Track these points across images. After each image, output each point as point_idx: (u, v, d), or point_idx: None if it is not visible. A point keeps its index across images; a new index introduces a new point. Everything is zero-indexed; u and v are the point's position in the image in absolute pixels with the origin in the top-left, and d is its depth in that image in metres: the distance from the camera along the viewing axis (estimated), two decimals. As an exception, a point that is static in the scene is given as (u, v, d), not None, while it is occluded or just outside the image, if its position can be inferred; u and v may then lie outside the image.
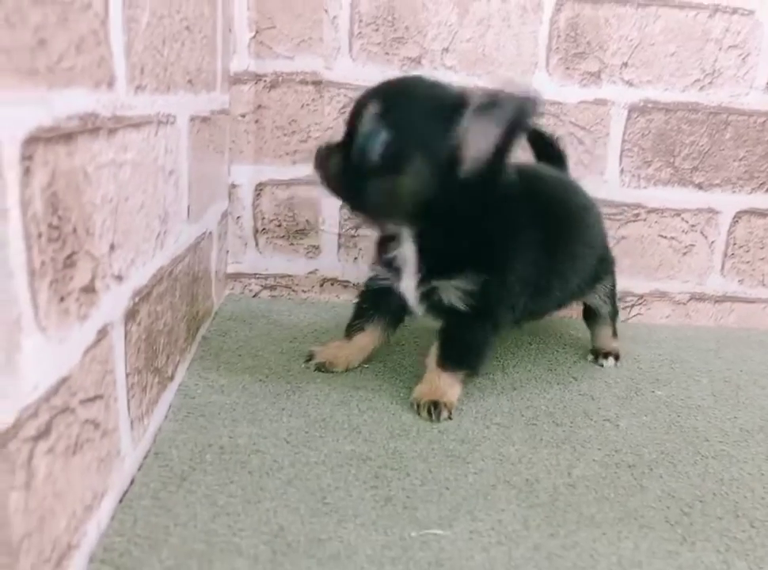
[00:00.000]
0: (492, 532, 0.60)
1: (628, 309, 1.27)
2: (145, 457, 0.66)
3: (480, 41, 1.12)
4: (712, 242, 1.25)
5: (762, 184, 1.23)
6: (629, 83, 1.16)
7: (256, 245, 1.18)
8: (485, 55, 1.13)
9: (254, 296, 1.20)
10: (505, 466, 0.71)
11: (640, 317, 1.27)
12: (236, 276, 1.19)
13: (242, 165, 1.14)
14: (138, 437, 0.64)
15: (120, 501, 0.59)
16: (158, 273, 0.69)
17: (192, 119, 0.82)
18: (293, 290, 1.21)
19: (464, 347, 0.88)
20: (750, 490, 0.72)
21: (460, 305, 0.83)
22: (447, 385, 0.84)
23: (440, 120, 0.74)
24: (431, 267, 0.83)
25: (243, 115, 1.12)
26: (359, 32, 1.11)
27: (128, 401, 0.60)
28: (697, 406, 0.92)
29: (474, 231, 0.81)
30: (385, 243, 0.86)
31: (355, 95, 1.11)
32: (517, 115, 0.74)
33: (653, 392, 0.95)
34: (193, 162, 0.83)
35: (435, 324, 0.88)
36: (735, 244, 1.25)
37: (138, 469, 0.64)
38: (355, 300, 0.95)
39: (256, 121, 1.13)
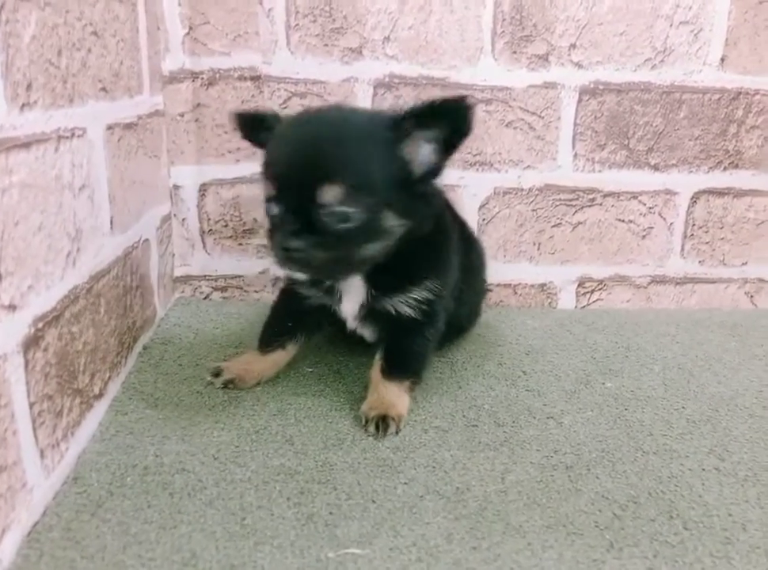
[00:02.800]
0: (413, 548, 0.59)
1: (588, 295, 1.25)
2: (63, 484, 0.64)
3: (423, 28, 1.09)
4: (671, 224, 1.23)
5: (719, 162, 1.20)
6: (579, 65, 1.13)
7: (204, 246, 1.16)
8: (428, 43, 1.10)
9: (205, 298, 1.18)
10: (437, 474, 0.70)
11: (600, 302, 1.26)
12: (185, 279, 1.17)
13: (184, 165, 1.11)
14: (51, 465, 0.62)
15: (28, 534, 0.57)
16: (71, 293, 0.67)
17: (110, 127, 0.79)
18: (244, 291, 1.19)
19: (409, 355, 0.86)
20: (689, 487, 0.71)
21: (413, 314, 0.82)
22: (395, 397, 0.82)
23: (390, 158, 0.71)
24: (382, 287, 0.80)
25: (181, 115, 1.09)
26: (297, 24, 1.07)
27: (34, 431, 0.58)
28: (647, 397, 0.91)
29: (421, 243, 0.79)
30: None
31: (296, 89, 1.10)
32: (453, 124, 0.71)
33: (603, 384, 0.94)
34: (116, 171, 0.80)
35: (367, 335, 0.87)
36: (694, 225, 1.23)
37: (53, 498, 0.62)
38: (272, 309, 0.91)
39: (196, 120, 1.10)
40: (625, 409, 0.87)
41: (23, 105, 0.57)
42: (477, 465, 0.72)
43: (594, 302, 1.26)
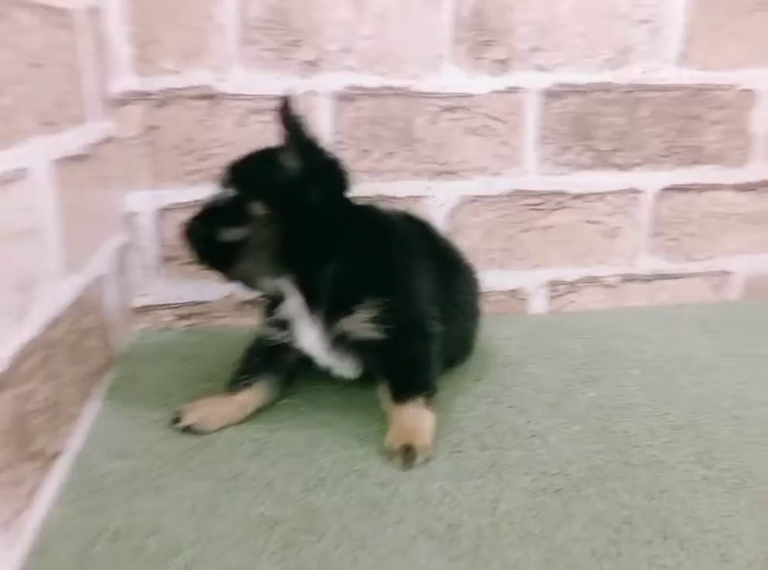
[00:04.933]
0: (408, 598, 0.57)
1: (559, 298, 1.24)
2: (28, 557, 0.60)
3: (381, 37, 1.06)
4: (638, 222, 1.22)
5: (681, 159, 1.20)
6: (541, 68, 1.11)
7: (165, 273, 1.11)
8: (388, 52, 1.06)
9: (167, 328, 1.13)
10: (427, 511, 0.68)
11: (572, 304, 1.25)
12: (145, 309, 1.12)
13: (140, 191, 1.06)
14: (14, 537, 0.58)
15: (-7, 621, 0.53)
16: (23, 350, 0.62)
17: (58, 162, 0.74)
18: (210, 317, 1.14)
19: (409, 369, 0.84)
20: (680, 502, 0.70)
21: (376, 335, 0.79)
22: (416, 419, 0.79)
23: (272, 167, 0.80)
24: (327, 311, 0.80)
25: (134, 139, 1.04)
26: (250, 39, 1.03)
27: (-7, 507, 0.54)
28: (628, 404, 0.90)
29: (354, 261, 0.81)
30: (272, 305, 0.84)
31: (253, 106, 1.05)
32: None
33: (584, 394, 0.93)
34: (66, 209, 0.75)
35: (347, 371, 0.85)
36: (660, 222, 1.23)
37: (18, 575, 0.58)
38: (244, 353, 0.89)
39: (149, 143, 1.05)
40: (609, 420, 0.86)
41: (-43, 155, 0.52)
42: (467, 496, 0.70)
43: (566, 304, 1.25)
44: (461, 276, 0.96)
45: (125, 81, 1.01)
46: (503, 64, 1.10)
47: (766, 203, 1.26)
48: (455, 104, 1.10)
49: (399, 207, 1.05)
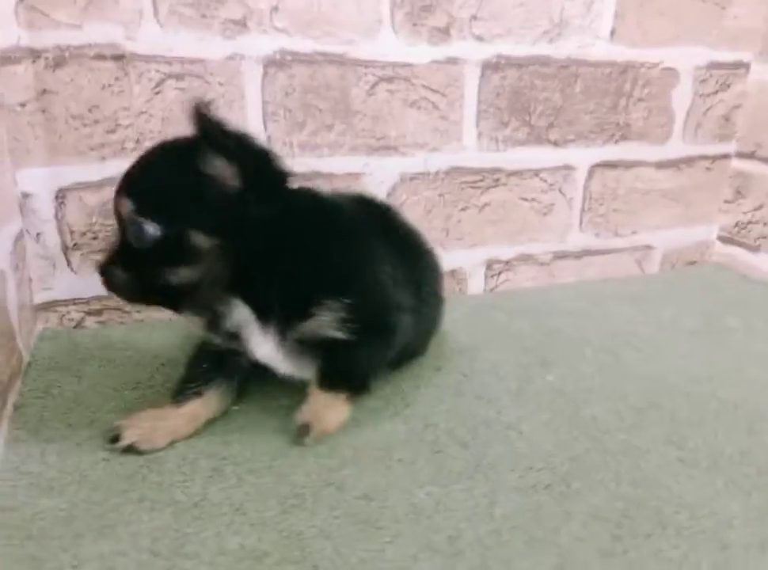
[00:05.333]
0: (428, 630, 0.51)
1: (495, 277, 1.22)
2: (-47, 640, 0.47)
3: (314, -3, 0.95)
4: (571, 199, 1.22)
5: (611, 135, 1.21)
6: (480, 38, 1.06)
7: (69, 264, 0.95)
8: (322, 13, 0.96)
9: (76, 326, 0.98)
10: (422, 523, 0.62)
11: (508, 282, 1.23)
12: (48, 306, 0.96)
13: (33, 168, 0.89)
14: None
15: None
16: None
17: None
18: (125, 312, 1.00)
19: (347, 365, 0.78)
20: (666, 488, 0.69)
21: (339, 335, 0.72)
22: (323, 407, 0.75)
23: (190, 180, 0.67)
24: (280, 319, 0.72)
25: (23, 105, 0.87)
26: (164, -10, 0.88)
27: None
28: (588, 388, 0.89)
29: (304, 260, 0.72)
30: (215, 317, 0.73)
31: (171, 70, 0.92)
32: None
33: (543, 378, 0.91)
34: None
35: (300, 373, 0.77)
36: (591, 198, 1.24)
37: None
38: (190, 358, 0.78)
39: (43, 111, 0.88)
40: (575, 405, 0.84)
41: None
42: (459, 502, 0.65)
43: (501, 283, 1.23)
44: (422, 261, 0.90)
45: (10, 35, 0.84)
46: (443, 32, 1.04)
47: (684, 179, 1.30)
48: (393, 74, 1.03)
49: (348, 189, 0.97)
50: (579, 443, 0.76)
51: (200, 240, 0.66)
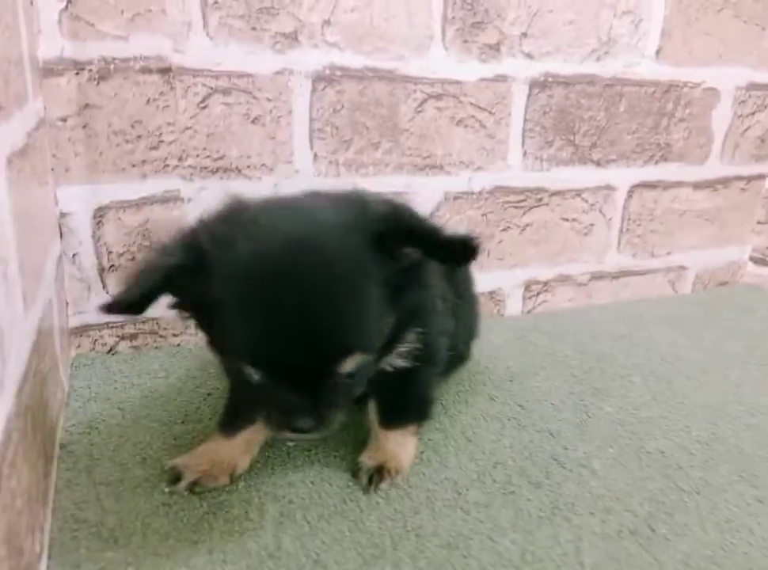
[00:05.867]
0: None
1: (533, 298, 1.19)
2: None
3: (367, 11, 0.92)
4: (610, 219, 1.20)
5: (651, 156, 1.19)
6: (529, 56, 1.03)
7: (104, 287, 0.91)
8: (373, 28, 0.93)
9: (109, 352, 0.93)
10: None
11: (545, 304, 1.21)
12: (81, 330, 0.91)
13: (71, 186, 0.85)
14: None
15: None
16: (5, 436, 0.44)
17: (10, 160, 0.54)
18: (160, 336, 0.96)
19: (411, 400, 0.74)
20: (749, 531, 0.67)
21: (406, 364, 0.68)
22: (397, 445, 0.72)
23: (380, 284, 0.55)
24: None
25: (63, 120, 0.82)
26: (215, 2, 0.84)
27: None
28: (648, 419, 0.86)
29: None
30: None
31: (218, 84, 0.87)
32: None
33: (600, 409, 0.88)
34: (20, 223, 0.56)
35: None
36: (629, 219, 1.22)
37: None
38: (230, 391, 0.71)
39: (85, 126, 0.83)
40: (639, 439, 0.82)
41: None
42: (544, 548, 0.62)
43: (539, 304, 1.20)
44: (462, 278, 0.86)
45: (53, 46, 0.79)
46: (493, 50, 1.01)
47: (719, 199, 1.29)
48: (443, 92, 0.99)
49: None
50: (653, 482, 0.73)
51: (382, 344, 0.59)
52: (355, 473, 0.70)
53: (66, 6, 0.79)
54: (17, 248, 0.53)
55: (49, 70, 0.80)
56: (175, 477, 0.65)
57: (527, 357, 1.01)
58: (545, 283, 1.19)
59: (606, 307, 1.24)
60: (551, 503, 0.69)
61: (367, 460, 0.71)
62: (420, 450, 0.75)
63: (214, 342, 0.58)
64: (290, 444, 0.75)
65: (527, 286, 1.18)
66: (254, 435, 0.70)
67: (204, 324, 0.57)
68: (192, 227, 0.56)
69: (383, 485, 0.68)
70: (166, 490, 0.65)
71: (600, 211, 1.18)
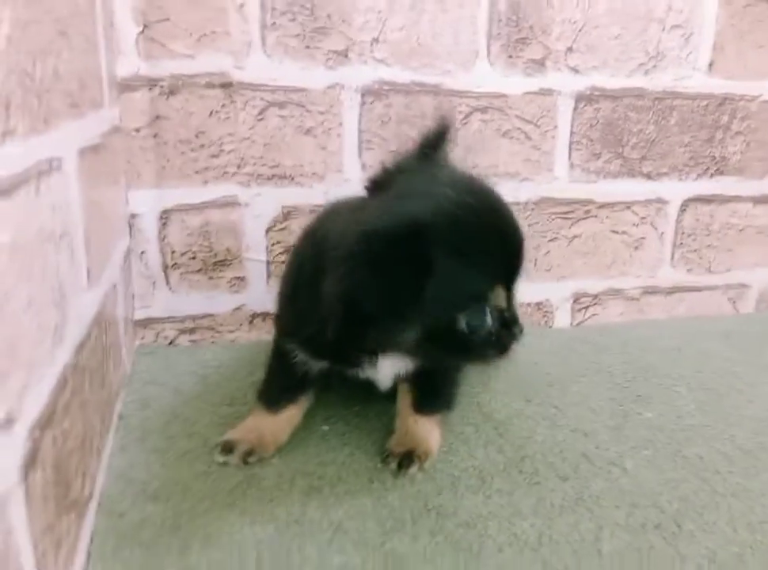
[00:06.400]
0: None
1: (583, 311, 1.19)
2: (72, 637, 0.48)
3: (414, 29, 0.98)
4: (662, 233, 1.19)
5: (706, 169, 1.18)
6: (575, 70, 1.06)
7: (168, 283, 0.99)
8: (420, 45, 0.98)
9: (170, 343, 1.01)
10: (525, 554, 0.60)
11: (595, 317, 1.20)
12: (146, 323, 0.99)
13: (142, 189, 0.94)
14: (58, 617, 0.46)
15: None
16: (61, 379, 0.50)
17: (82, 153, 0.62)
18: (217, 332, 1.03)
19: (443, 388, 0.78)
20: (784, 533, 0.65)
21: None
22: (426, 432, 0.75)
23: None
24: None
25: (138, 130, 0.92)
26: (273, 23, 0.93)
27: (40, 581, 0.42)
28: (690, 426, 0.85)
29: None
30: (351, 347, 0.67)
31: (274, 98, 0.95)
32: None
33: (640, 414, 0.87)
34: (88, 208, 0.64)
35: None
36: (683, 233, 1.20)
37: None
38: (271, 368, 0.77)
39: (155, 135, 0.93)
40: (678, 444, 0.80)
41: (4, 133, 0.40)
42: (563, 535, 0.62)
43: (589, 317, 1.20)
44: None
45: (130, 64, 0.89)
46: (538, 64, 1.04)
47: (782, 215, 1.25)
48: (488, 105, 1.04)
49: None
50: (687, 484, 0.72)
51: None
52: (384, 458, 0.73)
53: (143, 30, 0.89)
54: (84, 228, 0.61)
55: (126, 86, 0.90)
56: (228, 448, 0.71)
57: (570, 365, 1.01)
58: (595, 296, 1.19)
59: (659, 323, 1.22)
60: (576, 494, 0.69)
61: (397, 445, 0.73)
62: (450, 441, 0.77)
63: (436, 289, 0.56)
64: (325, 428, 0.79)
65: (576, 299, 1.18)
66: (293, 413, 0.76)
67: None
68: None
69: (412, 470, 0.71)
70: (221, 460, 0.70)
71: (651, 225, 1.18)
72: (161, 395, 0.84)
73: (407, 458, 0.71)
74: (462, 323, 0.58)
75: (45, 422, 0.45)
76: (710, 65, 1.12)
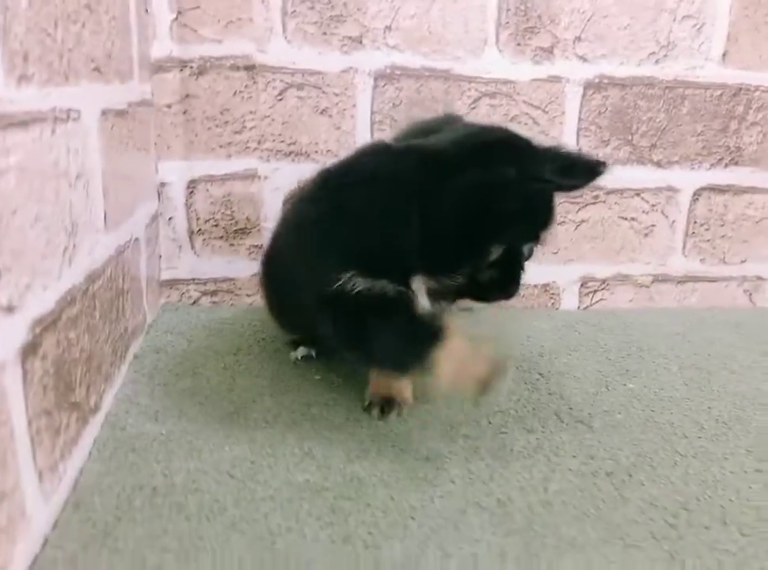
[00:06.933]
0: None
1: (591, 296, 1.22)
2: (62, 511, 0.57)
3: (425, 17, 1.04)
4: (673, 221, 1.21)
5: (720, 159, 1.19)
6: (583, 58, 1.10)
7: (192, 247, 1.08)
8: (431, 33, 1.05)
9: (193, 303, 1.10)
10: (475, 486, 0.65)
11: (603, 302, 1.23)
12: (172, 283, 1.09)
13: (171, 160, 1.04)
14: (51, 489, 0.55)
15: (29, 571, 0.50)
16: (68, 294, 0.59)
17: (105, 113, 0.72)
18: (236, 295, 1.12)
19: None
20: (735, 491, 0.67)
21: None
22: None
23: None
24: None
25: (169, 106, 1.02)
26: (293, 11, 1.01)
27: (33, 451, 0.51)
28: (670, 398, 0.87)
29: None
30: None
31: (293, 80, 1.03)
32: None
33: (624, 385, 0.90)
34: (109, 162, 0.73)
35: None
36: (695, 222, 1.21)
37: (54, 527, 0.54)
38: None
39: (184, 112, 1.03)
40: (652, 411, 0.83)
41: (20, 78, 0.49)
42: (515, 474, 0.67)
43: (596, 302, 1.23)
44: None
45: (164, 47, 0.99)
46: (547, 52, 1.09)
47: (801, 208, 1.24)
48: (496, 90, 1.09)
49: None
50: (649, 443, 0.75)
51: None
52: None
53: (177, 17, 0.99)
54: (102, 177, 0.70)
55: (160, 67, 1.00)
56: (378, 408, 0.77)
57: (565, 341, 1.05)
58: (603, 281, 1.22)
59: (669, 310, 1.23)
60: (537, 444, 0.73)
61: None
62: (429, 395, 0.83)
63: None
64: (317, 377, 0.86)
65: (584, 283, 1.21)
66: None
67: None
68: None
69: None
70: (378, 421, 0.76)
71: (662, 213, 1.20)
72: (176, 343, 0.94)
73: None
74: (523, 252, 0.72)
75: (49, 324, 0.54)
76: (724, 55, 1.13)
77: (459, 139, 0.70)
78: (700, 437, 0.78)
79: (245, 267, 1.10)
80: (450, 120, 0.79)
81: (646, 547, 0.58)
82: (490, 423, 0.78)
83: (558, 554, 0.56)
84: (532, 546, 0.57)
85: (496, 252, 0.69)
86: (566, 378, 0.91)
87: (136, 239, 0.88)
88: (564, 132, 1.12)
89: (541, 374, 0.92)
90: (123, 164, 0.81)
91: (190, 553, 0.53)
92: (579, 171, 0.68)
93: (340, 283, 0.67)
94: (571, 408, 0.82)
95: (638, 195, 1.18)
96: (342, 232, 0.69)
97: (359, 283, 0.67)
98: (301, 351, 0.91)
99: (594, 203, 1.17)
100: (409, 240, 0.67)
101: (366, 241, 0.68)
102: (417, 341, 0.68)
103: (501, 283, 0.72)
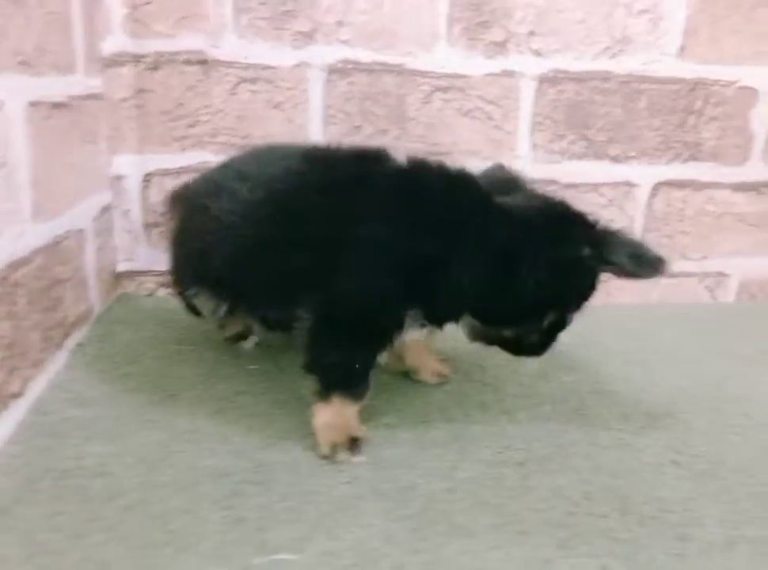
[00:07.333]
0: (348, 552, 0.55)
1: (549, 290, 1.22)
2: (-32, 489, 0.59)
3: (377, 12, 1.05)
4: (631, 216, 1.21)
5: (678, 154, 1.19)
6: (537, 53, 1.10)
7: (149, 239, 1.10)
8: (383, 27, 1.06)
9: (149, 295, 1.12)
10: (382, 473, 0.66)
11: (562, 297, 1.23)
12: (129, 274, 1.11)
13: (126, 154, 1.06)
14: (-47, 468, 0.57)
15: None
16: (-15, 276, 0.61)
17: (35, 105, 0.74)
18: (193, 286, 1.13)
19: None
20: (644, 482, 0.68)
21: None
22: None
23: None
24: None
25: (123, 100, 1.04)
26: (246, 6, 1.02)
27: (-70, 431, 0.53)
28: (605, 391, 0.88)
29: None
30: None
31: (245, 75, 1.05)
32: None
33: (561, 378, 0.91)
34: (40, 153, 0.75)
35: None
36: (654, 217, 1.21)
37: (-45, 505, 0.57)
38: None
39: (138, 106, 1.04)
40: (581, 403, 0.84)
41: None
42: (425, 462, 0.68)
43: (555, 296, 1.23)
44: None
45: (117, 42, 1.01)
46: (500, 47, 1.09)
47: (765, 204, 1.24)
48: (448, 85, 1.09)
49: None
50: (569, 435, 0.76)
51: None
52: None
53: (130, 12, 1.00)
54: (31, 167, 0.72)
55: (113, 62, 1.02)
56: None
57: (513, 334, 1.06)
58: (561, 276, 1.22)
59: (627, 306, 1.23)
60: (455, 434, 0.74)
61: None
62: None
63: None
64: (253, 367, 0.87)
65: (541, 277, 1.21)
66: None
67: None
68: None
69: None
70: (352, 460, 0.68)
71: (620, 208, 1.20)
72: (122, 332, 0.96)
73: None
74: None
75: (-47, 309, 0.56)
76: (681, 49, 1.13)
77: (541, 208, 0.75)
78: (622, 429, 0.78)
79: (201, 258, 1.12)
80: (507, 179, 0.83)
81: (537, 533, 0.59)
82: (414, 412, 0.79)
83: (446, 539, 0.57)
84: (421, 532, 0.58)
85: (550, 318, 0.74)
86: (504, 370, 0.92)
87: (80, 230, 0.90)
88: (518, 127, 1.13)
89: (480, 366, 0.93)
90: (63, 155, 0.83)
91: (80, 533, 0.54)
92: (646, 263, 0.69)
93: (398, 314, 0.70)
94: (500, 400, 0.83)
95: (595, 189, 1.18)
96: (429, 278, 0.70)
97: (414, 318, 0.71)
98: (252, 341, 0.92)
99: (551, 198, 1.17)
100: (476, 288, 0.70)
101: (443, 287, 0.70)
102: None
103: (541, 344, 0.77)
